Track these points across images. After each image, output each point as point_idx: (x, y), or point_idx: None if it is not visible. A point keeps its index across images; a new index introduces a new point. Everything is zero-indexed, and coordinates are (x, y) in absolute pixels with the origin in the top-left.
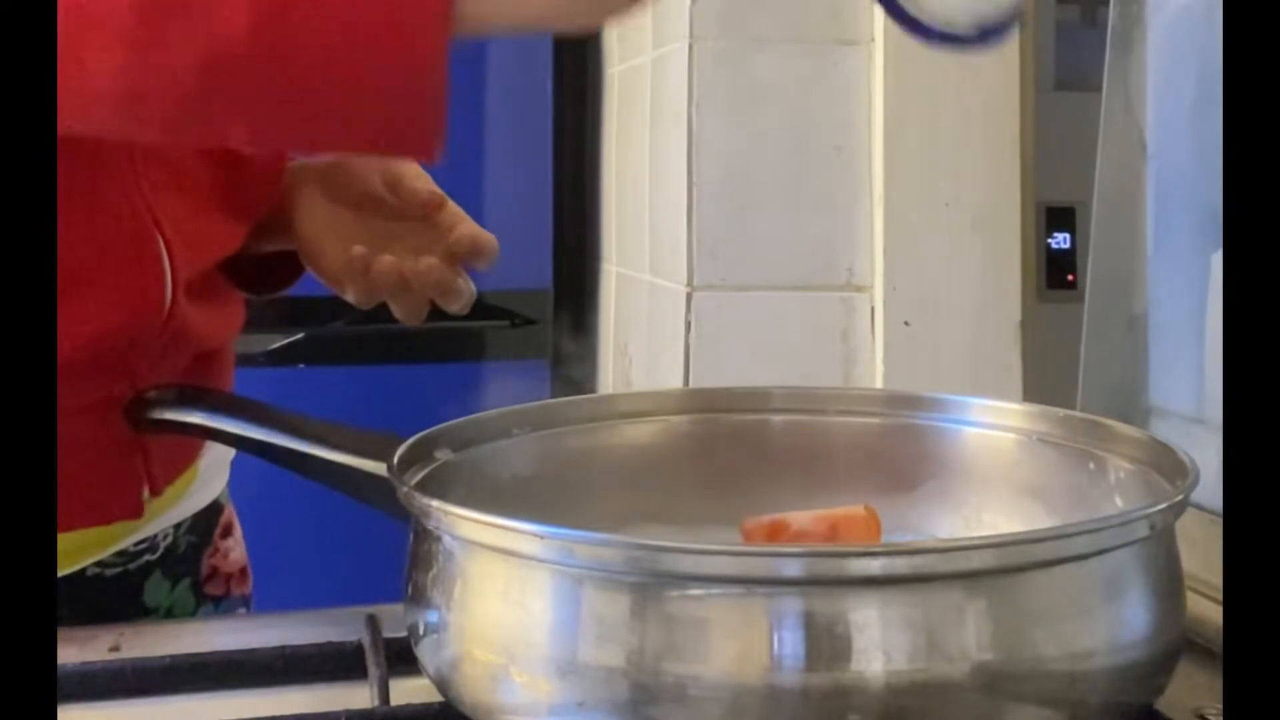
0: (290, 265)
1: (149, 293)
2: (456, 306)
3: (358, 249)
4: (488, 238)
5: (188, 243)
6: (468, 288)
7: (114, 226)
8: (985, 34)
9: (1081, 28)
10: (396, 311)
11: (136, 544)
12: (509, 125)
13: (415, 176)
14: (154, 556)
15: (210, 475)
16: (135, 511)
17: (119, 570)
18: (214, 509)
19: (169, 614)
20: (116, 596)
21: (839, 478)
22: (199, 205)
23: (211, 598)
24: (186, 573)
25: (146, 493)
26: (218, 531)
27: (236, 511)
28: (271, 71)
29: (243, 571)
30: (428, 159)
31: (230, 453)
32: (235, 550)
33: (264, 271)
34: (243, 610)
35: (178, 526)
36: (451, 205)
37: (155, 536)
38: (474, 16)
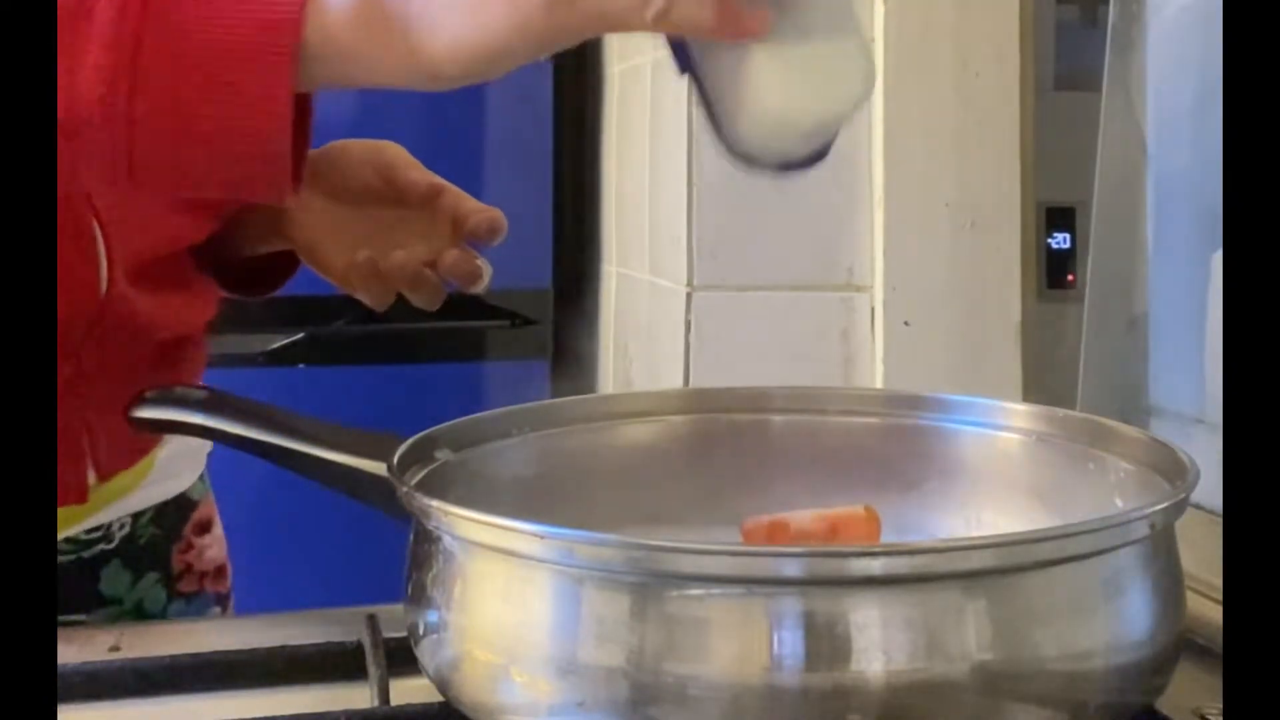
0: (282, 266)
1: (81, 275)
2: (480, 288)
3: (363, 253)
4: (497, 214)
5: (130, 229)
6: (487, 268)
7: None
8: (790, 165)
9: (1081, 28)
10: (414, 300)
11: (88, 532)
12: (509, 125)
13: (409, 166)
14: (110, 546)
15: (174, 468)
16: (79, 496)
17: (72, 558)
18: (183, 503)
19: (137, 608)
20: (70, 585)
21: (839, 478)
22: (148, 194)
23: (184, 594)
24: (152, 566)
25: (93, 478)
26: (189, 527)
27: (231, 510)
28: (121, 133)
29: (220, 570)
30: (278, 201)
31: (204, 449)
32: (213, 548)
33: (257, 273)
34: (217, 610)
35: (138, 517)
36: (450, 189)
37: (110, 525)
38: (323, 78)
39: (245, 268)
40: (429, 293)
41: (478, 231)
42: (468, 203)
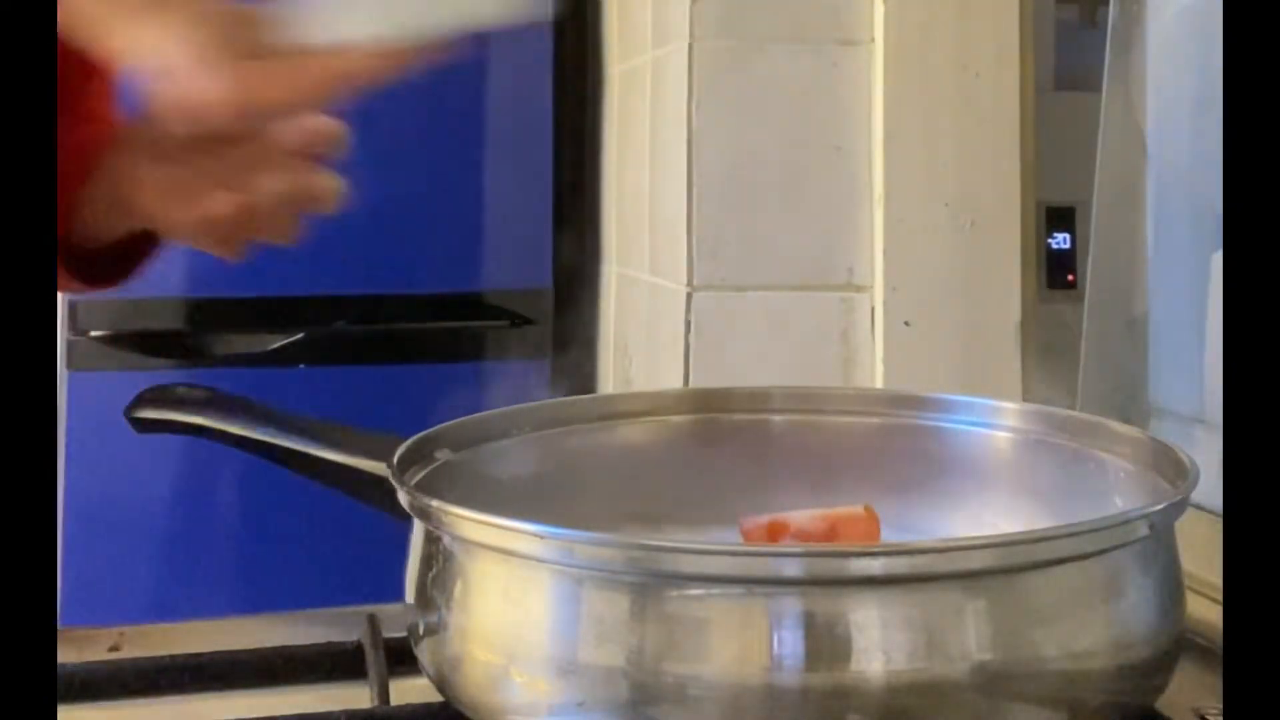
0: (140, 249)
1: None
2: (330, 206)
3: (195, 207)
4: (326, 122)
5: None
6: (333, 182)
7: None
8: None
9: (1081, 28)
10: (269, 239)
11: None
12: (509, 125)
13: None
14: None
15: None
16: None
17: None
18: None
19: None
20: None
21: (839, 478)
22: None
23: None
24: None
25: None
26: None
27: (231, 511)
28: None
29: None
30: None
31: None
32: None
33: (114, 262)
34: None
35: None
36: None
37: None
38: None
39: (101, 258)
40: (274, 227)
41: (308, 148)
42: (296, 123)
